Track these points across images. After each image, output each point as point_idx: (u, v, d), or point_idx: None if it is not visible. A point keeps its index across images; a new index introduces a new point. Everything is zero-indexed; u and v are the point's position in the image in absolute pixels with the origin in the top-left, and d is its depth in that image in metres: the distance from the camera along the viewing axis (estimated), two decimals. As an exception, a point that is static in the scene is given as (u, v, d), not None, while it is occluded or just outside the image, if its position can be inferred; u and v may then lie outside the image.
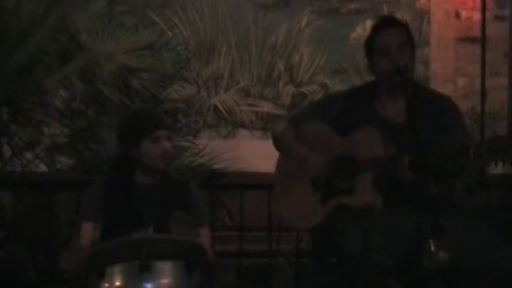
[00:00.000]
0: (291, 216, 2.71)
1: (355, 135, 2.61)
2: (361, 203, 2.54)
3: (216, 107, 5.07)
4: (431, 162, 2.42)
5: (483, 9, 4.86)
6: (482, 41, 4.83)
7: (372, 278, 2.42)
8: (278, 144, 2.77)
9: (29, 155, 3.97)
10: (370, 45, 2.65)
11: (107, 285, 2.25)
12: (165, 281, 2.27)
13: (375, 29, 2.67)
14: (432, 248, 2.29)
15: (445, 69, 4.96)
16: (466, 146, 2.45)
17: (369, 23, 5.09)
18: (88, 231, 2.57)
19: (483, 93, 4.77)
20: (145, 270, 2.24)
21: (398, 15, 5.00)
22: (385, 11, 5.08)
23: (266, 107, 5.11)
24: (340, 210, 2.58)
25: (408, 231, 2.35)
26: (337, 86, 5.04)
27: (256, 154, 4.68)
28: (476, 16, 5.01)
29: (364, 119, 2.63)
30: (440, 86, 4.69)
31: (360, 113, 2.65)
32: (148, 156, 2.60)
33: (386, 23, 2.68)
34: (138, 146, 2.61)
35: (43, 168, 3.99)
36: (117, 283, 2.25)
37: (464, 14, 5.09)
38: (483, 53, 4.80)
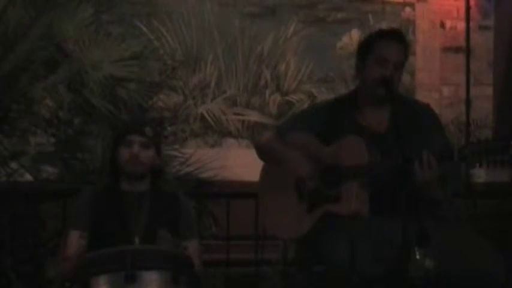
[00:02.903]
0: (276, 226, 2.71)
1: (340, 144, 2.62)
2: (347, 210, 2.55)
3: (202, 116, 5.07)
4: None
5: (467, 19, 4.91)
6: (467, 50, 4.88)
7: (358, 286, 2.42)
8: (263, 152, 2.77)
9: (14, 165, 3.95)
10: (369, 49, 2.64)
11: (92, 296, 2.25)
12: (151, 291, 2.26)
13: (381, 36, 2.65)
14: (418, 256, 2.30)
15: (431, 79, 5.00)
16: (450, 149, 2.47)
17: (355, 32, 5.12)
18: (74, 240, 2.57)
19: (468, 102, 4.81)
20: (131, 281, 2.24)
21: (384, 25, 5.04)
22: (371, 20, 5.11)
23: (253, 116, 5.12)
24: (327, 218, 2.58)
25: (394, 238, 2.36)
26: (324, 94, 5.06)
27: (243, 163, 4.68)
28: (461, 26, 5.05)
29: (346, 129, 2.64)
30: (425, 95, 4.72)
31: (342, 123, 2.66)
32: (121, 161, 2.63)
33: (393, 36, 2.66)
34: (116, 152, 2.65)
35: (28, 177, 3.97)
36: (103, 294, 2.25)
37: (449, 23, 5.14)
38: (468, 62, 4.84)
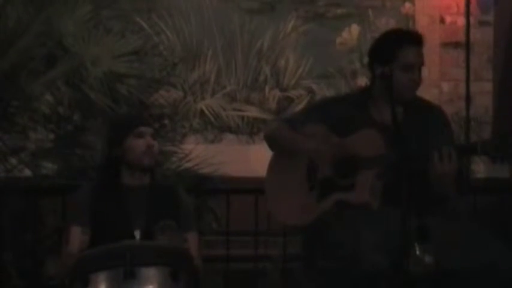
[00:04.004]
0: (283, 212, 2.70)
1: (356, 135, 2.63)
2: (360, 199, 2.55)
3: (202, 112, 5.06)
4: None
5: (467, 14, 4.90)
6: (467, 46, 4.87)
7: (365, 278, 2.41)
8: (274, 142, 2.76)
9: (13, 161, 3.95)
10: (393, 56, 2.63)
11: (91, 292, 2.25)
12: (150, 287, 2.26)
13: (404, 42, 2.65)
14: (417, 252, 2.31)
15: (430, 74, 4.99)
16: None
17: (354, 28, 5.11)
18: (77, 235, 2.56)
19: (468, 98, 4.80)
20: (130, 277, 2.24)
21: (383, 20, 5.03)
22: (371, 16, 5.11)
23: (252, 112, 5.11)
24: (336, 208, 2.58)
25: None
26: (323, 90, 5.06)
27: (243, 159, 4.68)
28: (461, 21, 5.04)
29: (360, 123, 2.65)
30: (425, 91, 4.67)
31: (356, 118, 2.67)
32: (133, 152, 2.61)
33: (415, 40, 2.67)
34: (122, 143, 2.62)
35: (28, 173, 3.97)
36: (102, 290, 2.25)
37: (448, 19, 5.13)
38: (467, 58, 4.83)
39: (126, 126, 2.64)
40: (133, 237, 2.52)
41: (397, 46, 2.64)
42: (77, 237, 2.55)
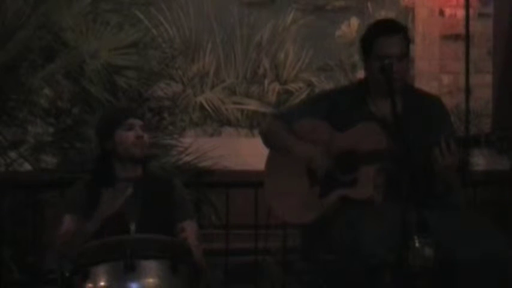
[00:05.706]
0: (285, 210, 2.69)
1: (356, 130, 2.62)
2: (364, 195, 2.55)
3: (201, 105, 5.06)
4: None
5: (467, 6, 4.89)
6: (467, 38, 4.87)
7: (366, 271, 2.41)
8: (269, 141, 2.75)
9: (13, 154, 3.95)
10: (369, 47, 2.62)
11: (91, 285, 2.25)
12: (150, 280, 2.27)
13: (377, 33, 2.63)
14: (417, 245, 2.31)
15: (430, 67, 4.99)
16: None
17: (354, 21, 5.10)
18: (66, 222, 2.57)
19: (467, 91, 4.80)
20: (130, 270, 2.24)
21: (383, 13, 5.02)
22: (370, 8, 5.10)
23: (252, 105, 5.11)
24: (339, 204, 2.57)
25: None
26: (323, 83, 5.05)
27: (242, 152, 4.68)
28: (460, 13, 5.03)
29: (358, 117, 2.63)
30: (425, 83, 4.71)
31: (353, 111, 2.66)
32: (123, 145, 2.61)
33: (390, 29, 2.63)
34: (112, 136, 2.62)
35: (28, 167, 3.97)
36: (102, 283, 2.26)
37: (448, 11, 5.12)
38: (467, 50, 4.83)
39: (115, 119, 2.65)
40: (128, 229, 2.52)
41: (373, 37, 2.62)
42: (67, 223, 2.58)
